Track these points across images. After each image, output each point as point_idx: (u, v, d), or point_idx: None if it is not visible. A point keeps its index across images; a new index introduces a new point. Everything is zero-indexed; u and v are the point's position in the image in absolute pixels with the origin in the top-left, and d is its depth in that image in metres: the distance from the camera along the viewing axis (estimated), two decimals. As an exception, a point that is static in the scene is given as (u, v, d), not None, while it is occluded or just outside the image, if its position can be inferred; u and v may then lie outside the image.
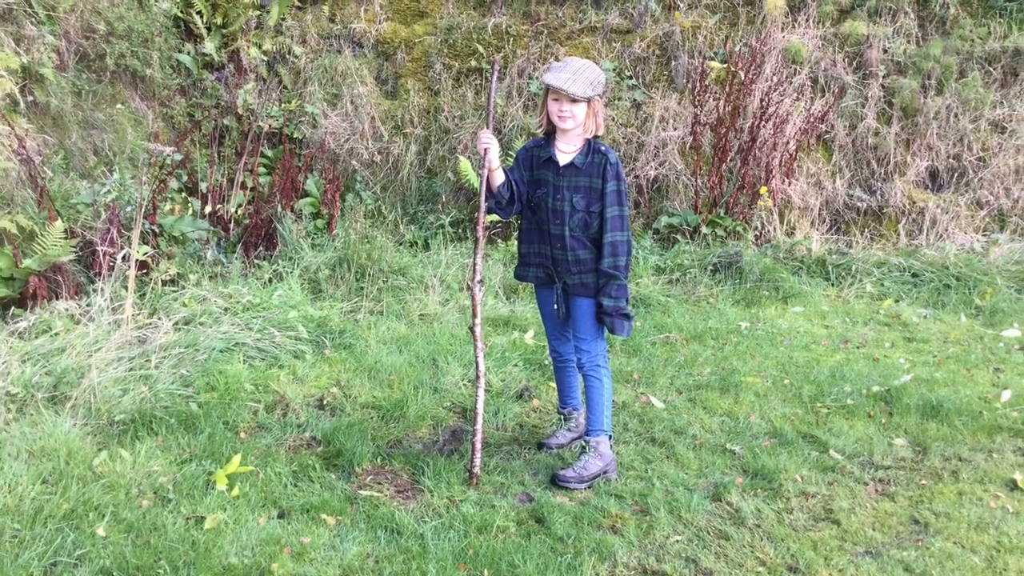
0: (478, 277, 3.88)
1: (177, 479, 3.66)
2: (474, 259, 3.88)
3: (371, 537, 3.40)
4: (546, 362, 5.23)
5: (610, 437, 4.00)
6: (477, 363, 3.90)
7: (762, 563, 3.34)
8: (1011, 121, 8.17)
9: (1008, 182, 8.03)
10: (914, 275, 7.10)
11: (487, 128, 3.79)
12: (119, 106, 6.95)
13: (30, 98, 6.15)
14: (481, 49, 8.12)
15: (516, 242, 4.16)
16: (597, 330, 3.93)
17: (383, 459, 4.05)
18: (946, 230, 7.79)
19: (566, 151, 3.83)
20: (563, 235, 3.83)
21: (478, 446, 3.85)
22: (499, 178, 3.85)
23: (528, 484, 3.88)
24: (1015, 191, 8.00)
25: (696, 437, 4.41)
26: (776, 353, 5.59)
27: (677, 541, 3.47)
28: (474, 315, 3.88)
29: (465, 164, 7.43)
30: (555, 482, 3.88)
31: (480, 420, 3.86)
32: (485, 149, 3.76)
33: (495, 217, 6.96)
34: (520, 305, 6.27)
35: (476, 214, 3.83)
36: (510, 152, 7.54)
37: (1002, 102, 8.22)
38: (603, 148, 3.80)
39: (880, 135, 8.09)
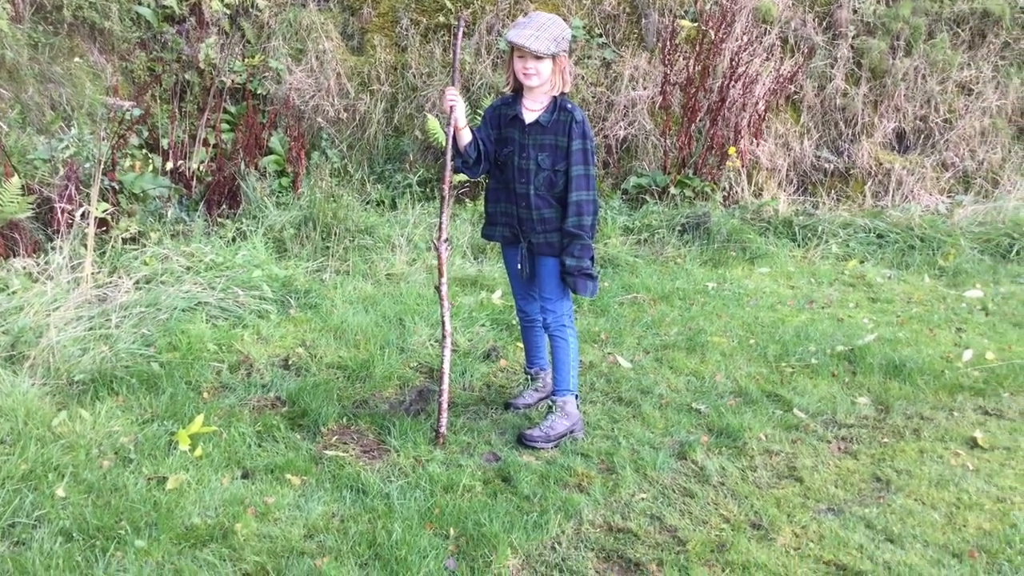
0: (444, 236, 3.84)
1: (138, 439, 3.61)
2: (440, 218, 3.83)
3: (336, 497, 3.38)
4: (513, 322, 5.21)
5: (576, 397, 4.00)
6: (444, 323, 3.87)
7: (726, 520, 3.37)
8: (977, 83, 8.21)
9: (973, 144, 8.09)
10: (879, 236, 7.15)
11: (453, 85, 3.73)
12: (77, 59, 6.77)
13: (-17, 50, 5.97)
14: (449, 5, 7.98)
15: (483, 201, 4.10)
16: (562, 290, 3.91)
17: (349, 419, 4.02)
18: (911, 191, 7.85)
19: (532, 109, 3.77)
20: (528, 194, 3.78)
21: (444, 406, 3.84)
22: (466, 137, 3.80)
23: (495, 444, 3.88)
24: (980, 153, 8.07)
25: (662, 396, 4.43)
26: (742, 313, 5.61)
27: (642, 499, 3.49)
28: (440, 274, 3.84)
29: (433, 122, 7.34)
30: (521, 441, 3.88)
31: (447, 380, 3.84)
32: (451, 107, 3.71)
33: (463, 176, 6.91)
34: (488, 265, 6.24)
35: (443, 173, 3.77)
36: (479, 110, 7.45)
37: (969, 64, 8.26)
38: (569, 106, 3.73)
39: (848, 96, 8.10)
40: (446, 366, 3.84)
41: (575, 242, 3.75)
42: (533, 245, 3.87)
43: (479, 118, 7.32)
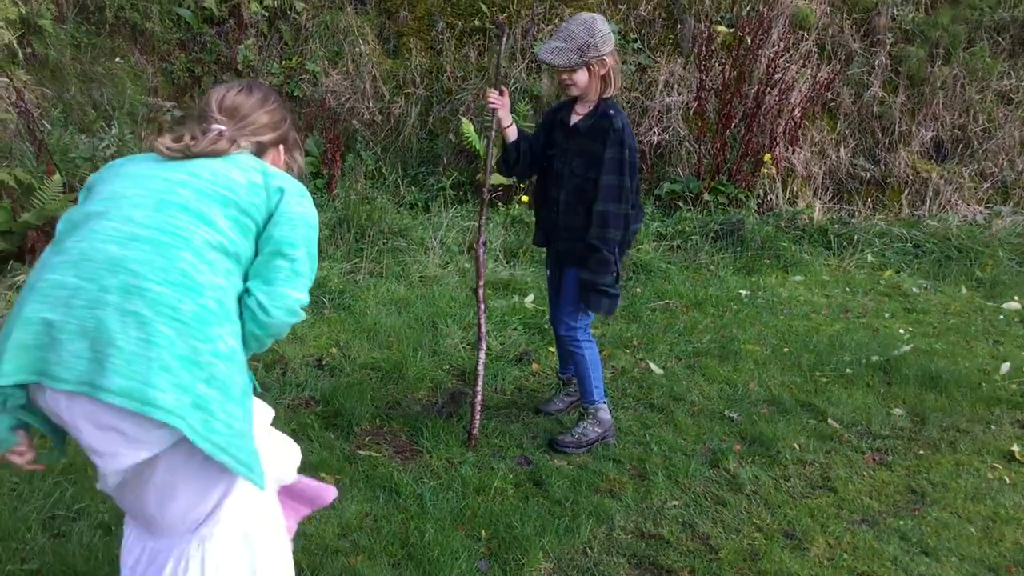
0: (482, 239, 3.86)
1: (176, 436, 3.65)
2: (480, 220, 3.85)
3: (370, 496, 3.40)
4: (546, 327, 5.22)
5: (606, 402, 3.98)
6: (480, 325, 3.89)
7: (759, 529, 3.36)
8: (1018, 92, 8.10)
9: (1013, 154, 7.98)
10: (916, 246, 7.08)
11: (493, 89, 3.72)
12: (118, 60, 6.87)
13: (28, 50, 6.07)
14: (485, 8, 8.01)
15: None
16: (579, 304, 3.79)
17: (382, 420, 4.05)
18: (949, 201, 7.76)
19: (579, 112, 3.69)
20: (559, 199, 3.70)
21: (478, 408, 3.85)
22: (510, 136, 3.77)
23: (526, 447, 3.89)
24: (1019, 163, 7.96)
25: (695, 403, 4.41)
26: (776, 321, 5.58)
27: (674, 506, 3.48)
28: (478, 277, 3.86)
29: (467, 126, 7.37)
30: (553, 447, 3.88)
31: (481, 382, 3.85)
32: (492, 109, 3.71)
33: (499, 179, 6.93)
34: (520, 269, 6.25)
35: (479, 176, 3.79)
36: (514, 114, 7.46)
37: (1009, 73, 8.15)
38: (612, 112, 3.58)
39: (885, 104, 8.02)
40: (481, 368, 3.86)
41: (593, 255, 3.60)
42: (560, 252, 3.83)
43: (514, 119, 7.35)
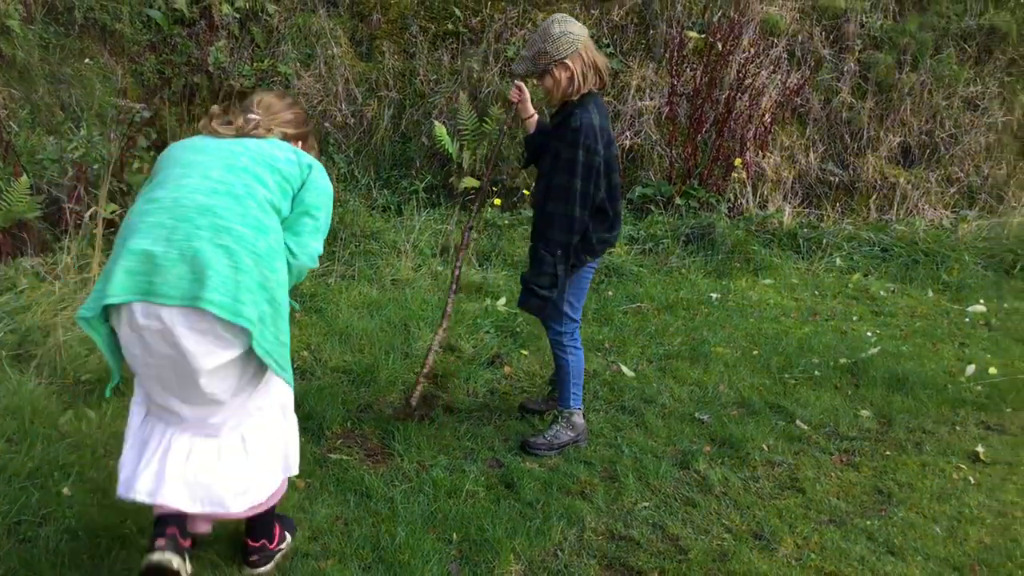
0: (470, 224, 4.05)
1: (144, 440, 3.62)
2: (475, 206, 3.91)
3: (340, 500, 3.39)
4: (518, 329, 5.23)
5: (580, 409, 3.99)
6: (455, 277, 4.04)
7: (728, 530, 3.38)
8: (983, 99, 8.23)
9: (978, 159, 8.11)
10: (883, 250, 7.17)
11: (517, 80, 3.86)
12: (87, 61, 6.80)
13: (-5, 50, 6.00)
14: (458, 12, 8.02)
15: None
16: (557, 308, 3.78)
17: (353, 423, 4.04)
18: (916, 206, 7.87)
19: (554, 114, 3.72)
20: (534, 195, 3.74)
21: (421, 379, 4.07)
22: (530, 127, 3.86)
23: (498, 450, 3.89)
24: (985, 168, 8.08)
25: (665, 406, 4.44)
26: (746, 324, 5.63)
27: (645, 507, 3.50)
28: (460, 249, 4.03)
29: (440, 129, 7.37)
30: (524, 449, 3.89)
31: (431, 357, 4.08)
32: (512, 103, 3.84)
33: (473, 182, 6.95)
34: (492, 272, 6.25)
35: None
36: (485, 118, 7.48)
37: (976, 79, 8.28)
38: (576, 112, 3.51)
39: (854, 110, 8.12)
40: (437, 341, 4.07)
41: (532, 254, 3.61)
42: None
43: (488, 124, 7.36)
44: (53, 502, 3.16)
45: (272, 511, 2.89)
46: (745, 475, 3.81)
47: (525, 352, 4.98)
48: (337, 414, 4.04)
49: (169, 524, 2.59)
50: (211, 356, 2.43)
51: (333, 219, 6.06)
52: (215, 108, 2.82)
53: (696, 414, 4.35)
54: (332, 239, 6.12)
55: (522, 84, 3.79)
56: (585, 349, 4.84)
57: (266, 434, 2.75)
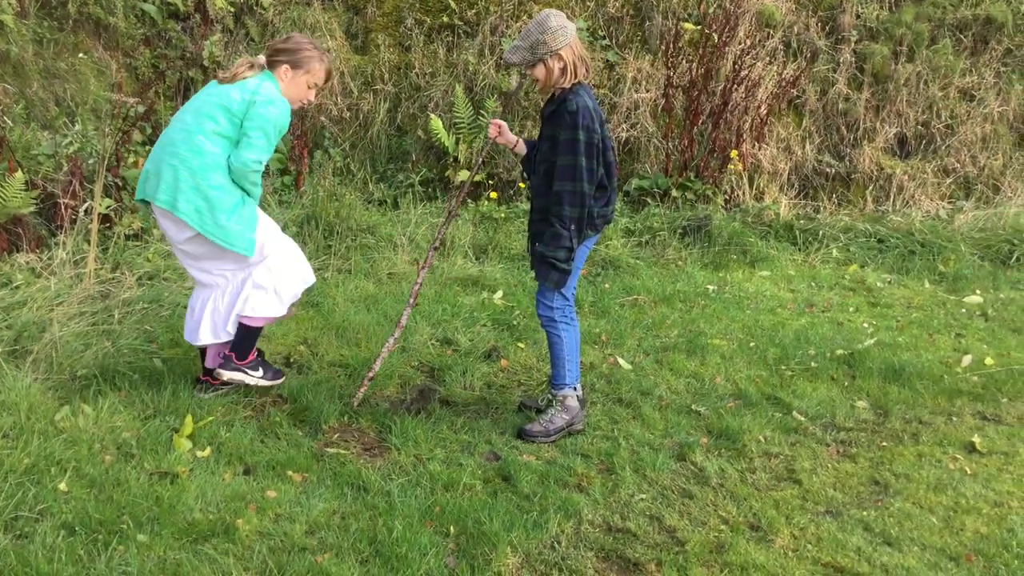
0: (455, 202, 4.14)
1: (140, 435, 3.63)
2: (462, 189, 3.92)
3: (338, 494, 3.40)
4: (515, 322, 5.23)
5: (575, 389, 4.02)
6: (430, 256, 4.04)
7: (725, 521, 3.39)
8: (979, 89, 8.23)
9: (975, 150, 8.11)
10: (880, 241, 7.17)
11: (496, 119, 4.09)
12: (81, 55, 6.78)
13: (-12, 45, 5.98)
14: (453, 5, 8.00)
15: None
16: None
17: (350, 417, 4.04)
18: (912, 197, 7.86)
19: (546, 103, 3.91)
20: (535, 184, 3.90)
21: (370, 375, 4.12)
22: (520, 151, 4.08)
23: (495, 443, 3.90)
24: (981, 159, 8.08)
25: (662, 398, 4.44)
26: (742, 316, 5.63)
27: (642, 499, 3.51)
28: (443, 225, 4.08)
29: (436, 122, 7.35)
30: (521, 436, 3.90)
31: (379, 363, 4.14)
32: (492, 139, 4.06)
33: (466, 176, 6.93)
34: (489, 265, 6.25)
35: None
36: (482, 112, 7.47)
37: (971, 70, 8.27)
38: (569, 97, 3.72)
39: (850, 101, 8.11)
40: (403, 319, 4.19)
41: (548, 230, 3.77)
42: (533, 234, 3.94)
43: (483, 119, 7.35)
44: (50, 498, 3.15)
45: (253, 333, 3.90)
46: (742, 467, 3.82)
47: (522, 345, 4.99)
48: (334, 408, 4.04)
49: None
50: (175, 233, 3.74)
51: (329, 213, 6.09)
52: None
53: (693, 406, 4.35)
54: (328, 233, 6.13)
55: (500, 121, 4.03)
56: (582, 343, 4.84)
57: (258, 275, 3.89)
